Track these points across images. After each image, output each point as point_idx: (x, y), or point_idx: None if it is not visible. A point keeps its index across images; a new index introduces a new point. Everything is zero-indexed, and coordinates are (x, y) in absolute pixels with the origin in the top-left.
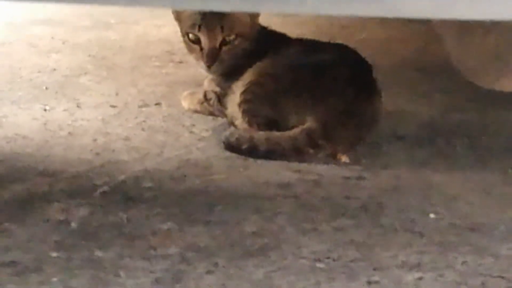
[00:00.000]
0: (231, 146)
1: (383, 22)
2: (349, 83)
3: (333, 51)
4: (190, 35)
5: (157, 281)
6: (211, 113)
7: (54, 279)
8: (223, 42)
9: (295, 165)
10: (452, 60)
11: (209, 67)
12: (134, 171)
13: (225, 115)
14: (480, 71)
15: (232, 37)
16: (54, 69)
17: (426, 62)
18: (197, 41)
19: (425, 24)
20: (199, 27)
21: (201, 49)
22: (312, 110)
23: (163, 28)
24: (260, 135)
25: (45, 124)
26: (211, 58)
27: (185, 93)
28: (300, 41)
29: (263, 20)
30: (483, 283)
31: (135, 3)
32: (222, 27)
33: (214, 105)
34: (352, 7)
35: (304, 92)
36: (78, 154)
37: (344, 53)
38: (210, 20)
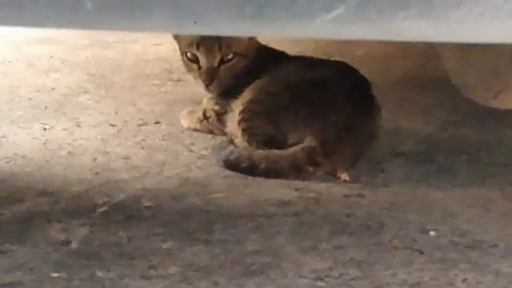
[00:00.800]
0: (231, 165)
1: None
2: (348, 100)
3: (331, 68)
4: (189, 54)
5: None
6: (211, 131)
7: None
8: (222, 61)
9: (294, 183)
10: (451, 77)
11: (207, 86)
12: (134, 190)
13: (224, 133)
14: (479, 88)
15: (231, 56)
16: (53, 88)
17: (424, 79)
18: (195, 60)
19: (423, 42)
20: (198, 46)
21: (200, 68)
22: (311, 127)
23: (161, 46)
24: (260, 153)
25: (44, 143)
26: (210, 77)
27: (184, 111)
28: (298, 59)
29: (261, 38)
30: None
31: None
32: (220, 46)
33: (213, 123)
34: (355, 31)
35: (303, 110)
36: (78, 174)
37: (343, 70)
38: (209, 39)
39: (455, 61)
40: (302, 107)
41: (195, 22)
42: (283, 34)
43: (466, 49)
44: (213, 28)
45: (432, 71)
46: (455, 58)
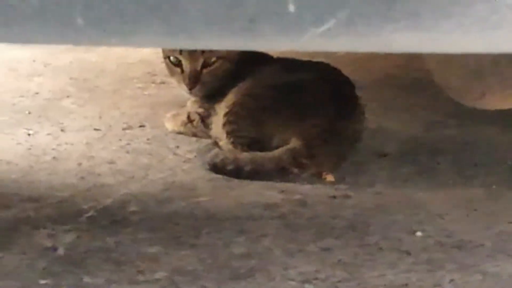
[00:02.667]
0: (216, 168)
1: None
2: (332, 101)
3: (315, 70)
4: (172, 58)
5: None
6: (195, 134)
7: None
8: (204, 65)
9: (280, 185)
10: (434, 78)
11: (190, 90)
12: (120, 194)
13: (209, 136)
14: (463, 89)
15: (213, 59)
16: (37, 93)
17: (407, 79)
18: (178, 64)
19: None
20: (180, 50)
21: (182, 71)
22: (295, 129)
23: (144, 49)
24: (245, 156)
25: (29, 149)
26: (193, 81)
27: (169, 114)
28: (281, 60)
29: None
30: None
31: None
32: (203, 50)
33: (198, 126)
34: (344, 44)
35: (287, 112)
36: (63, 179)
37: (326, 71)
38: None
39: (438, 62)
40: (286, 109)
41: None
42: (273, 48)
43: None
44: (203, 43)
45: (414, 71)
46: (438, 59)
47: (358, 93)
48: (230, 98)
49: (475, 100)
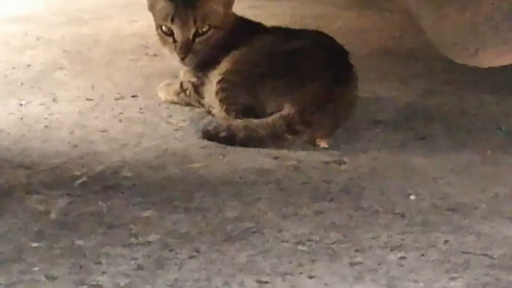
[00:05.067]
0: (209, 135)
1: (358, 11)
2: (326, 69)
3: (309, 38)
4: (163, 27)
5: (139, 267)
6: (188, 103)
7: (35, 269)
8: (197, 34)
9: (274, 151)
10: (429, 37)
11: (182, 59)
12: (113, 161)
13: (202, 105)
14: (457, 47)
15: (206, 28)
16: (29, 65)
17: (402, 50)
18: (170, 33)
19: (400, 13)
20: (172, 19)
21: (175, 41)
22: (289, 96)
23: (137, 23)
24: (238, 123)
25: (21, 118)
26: (185, 50)
27: (161, 84)
28: (275, 29)
29: (237, 12)
30: (466, 261)
31: None
32: (195, 19)
33: (190, 95)
34: None
35: (281, 78)
36: (55, 147)
37: (320, 39)
38: (183, 12)
39: (433, 21)
40: (280, 76)
41: None
42: None
43: (443, 8)
44: None
45: (409, 42)
46: (432, 17)
47: (353, 62)
48: (223, 66)
49: (469, 57)
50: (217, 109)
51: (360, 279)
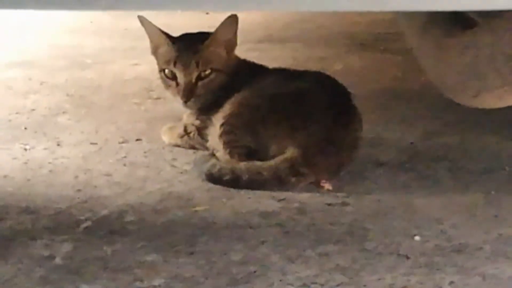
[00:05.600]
0: (213, 178)
1: (360, 53)
2: (329, 110)
3: (311, 79)
4: (166, 71)
5: None
6: (192, 146)
7: None
8: (199, 77)
9: (278, 194)
10: (430, 78)
11: (185, 102)
12: (117, 205)
13: (206, 148)
14: (459, 88)
15: (208, 72)
16: (33, 110)
17: (403, 90)
18: (173, 77)
19: (402, 54)
20: (175, 62)
21: (177, 84)
22: (292, 138)
23: (139, 66)
24: (242, 166)
25: (25, 163)
26: (188, 94)
27: (165, 127)
28: (278, 71)
29: (239, 55)
30: None
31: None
32: (197, 62)
33: (194, 138)
34: (339, 2)
35: (284, 120)
36: (60, 191)
37: (322, 80)
38: (186, 56)
39: (434, 62)
40: (283, 118)
41: None
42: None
43: (444, 49)
44: None
45: (411, 82)
46: (433, 58)
47: (356, 103)
48: (227, 108)
49: (470, 98)
50: (220, 152)
51: None
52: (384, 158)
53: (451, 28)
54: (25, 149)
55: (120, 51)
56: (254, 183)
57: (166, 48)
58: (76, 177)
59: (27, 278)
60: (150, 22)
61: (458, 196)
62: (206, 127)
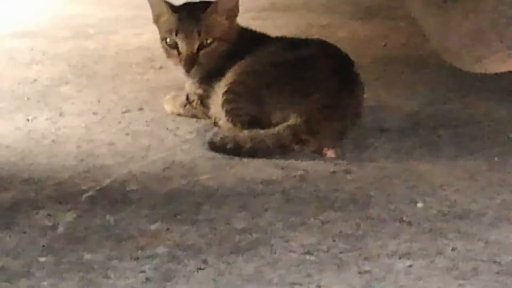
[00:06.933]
0: (216, 146)
1: (363, 20)
2: (331, 78)
3: (314, 47)
4: (168, 40)
5: (147, 280)
6: (194, 115)
7: (44, 283)
8: (201, 46)
9: (280, 161)
10: (433, 45)
11: (187, 71)
12: (120, 174)
13: (208, 117)
14: (462, 53)
15: (210, 40)
16: (35, 80)
17: (407, 57)
18: (174, 46)
19: (406, 21)
20: (176, 32)
21: (179, 53)
22: (295, 105)
23: (142, 36)
24: (244, 134)
25: (28, 133)
26: (189, 63)
27: (167, 96)
28: (280, 39)
29: (242, 24)
30: (474, 268)
31: None
32: (199, 31)
33: (197, 107)
34: None
35: (286, 88)
36: (62, 161)
37: (325, 48)
38: (187, 25)
39: (436, 27)
40: (285, 85)
41: None
42: None
43: (446, 15)
44: None
45: (414, 49)
46: (436, 24)
47: (358, 71)
48: (229, 77)
49: (473, 64)
50: (223, 120)
51: None
52: (387, 125)
53: None
54: (28, 120)
55: (123, 20)
56: (257, 151)
57: (167, 17)
58: (79, 147)
59: (30, 247)
60: None
61: (461, 162)
62: (208, 96)
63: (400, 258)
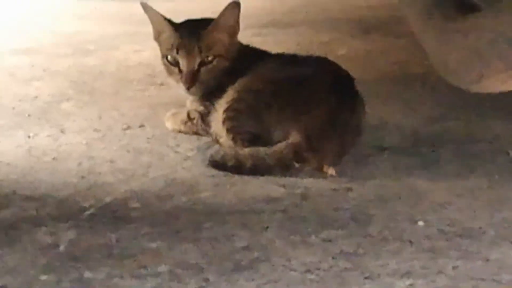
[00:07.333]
0: (217, 164)
1: (363, 37)
2: (332, 95)
3: (314, 64)
4: (169, 57)
5: None
6: (195, 133)
7: None
8: (202, 63)
9: (281, 179)
10: (433, 63)
11: (188, 89)
12: (121, 192)
13: (209, 134)
14: (461, 72)
15: (211, 58)
16: (36, 97)
17: (407, 74)
18: (175, 63)
19: (406, 38)
20: (177, 49)
21: (180, 71)
22: (296, 123)
23: (143, 52)
24: (245, 152)
25: (29, 150)
26: (190, 80)
27: (168, 113)
28: (280, 56)
29: (243, 41)
30: (474, 287)
31: None
32: (200, 48)
33: (198, 124)
34: None
35: (287, 106)
36: (63, 178)
37: (325, 65)
38: (188, 42)
39: (436, 46)
40: (286, 103)
41: None
42: None
43: (446, 33)
44: None
45: (414, 67)
46: (436, 43)
47: (358, 89)
48: (230, 94)
49: (473, 83)
50: (224, 138)
51: None
52: (388, 143)
53: (454, 13)
54: (29, 137)
55: (123, 37)
56: (258, 169)
57: (168, 35)
58: (80, 164)
59: (31, 265)
60: (152, 8)
61: (461, 180)
62: (209, 113)
63: (401, 277)
